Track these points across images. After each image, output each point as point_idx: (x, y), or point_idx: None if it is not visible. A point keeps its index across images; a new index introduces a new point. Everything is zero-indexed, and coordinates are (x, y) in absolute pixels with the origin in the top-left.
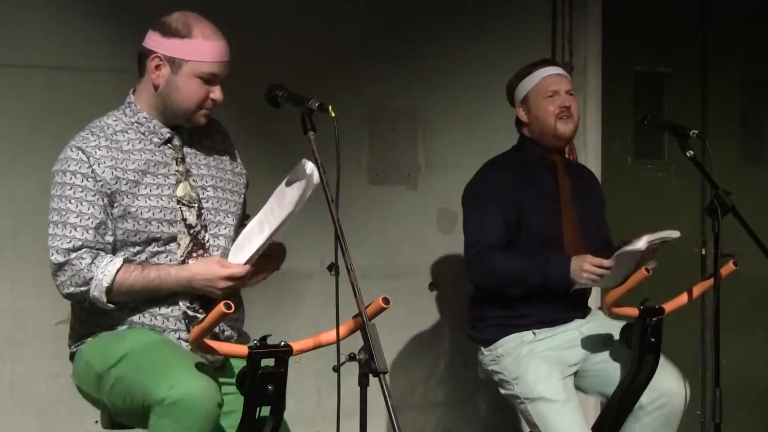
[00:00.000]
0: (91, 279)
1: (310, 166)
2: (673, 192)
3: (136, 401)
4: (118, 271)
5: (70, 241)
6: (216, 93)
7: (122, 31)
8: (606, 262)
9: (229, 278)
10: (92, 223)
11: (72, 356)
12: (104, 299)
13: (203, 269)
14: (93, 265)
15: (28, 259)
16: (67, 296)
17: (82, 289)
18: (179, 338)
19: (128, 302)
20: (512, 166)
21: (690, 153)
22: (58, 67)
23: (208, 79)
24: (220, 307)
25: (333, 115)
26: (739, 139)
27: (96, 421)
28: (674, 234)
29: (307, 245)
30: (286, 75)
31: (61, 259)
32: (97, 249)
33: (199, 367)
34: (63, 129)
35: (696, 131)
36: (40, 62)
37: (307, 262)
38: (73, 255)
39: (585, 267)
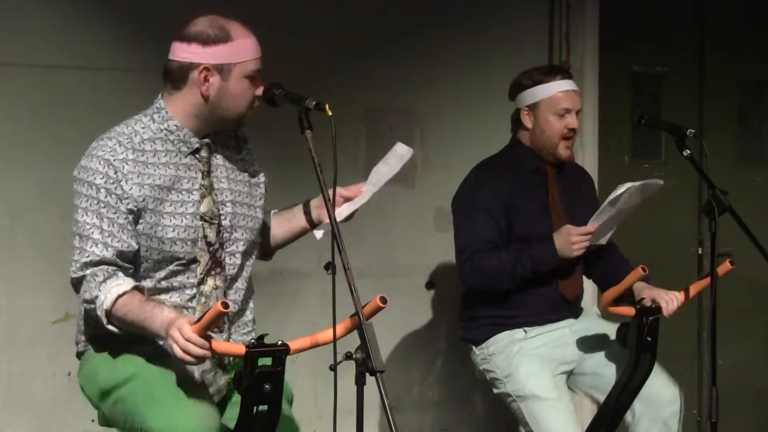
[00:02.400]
0: (96, 298)
1: (404, 148)
2: (670, 191)
3: (136, 426)
4: (120, 296)
5: (89, 256)
6: (260, 90)
7: (121, 29)
8: (590, 228)
9: (185, 336)
10: (112, 240)
11: (78, 354)
12: (104, 321)
13: (179, 316)
14: (103, 284)
15: (25, 258)
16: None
17: (91, 306)
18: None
19: (124, 330)
20: (504, 170)
21: (687, 152)
22: (56, 66)
23: (254, 77)
24: (218, 306)
25: (330, 114)
26: (736, 138)
27: (93, 420)
28: (656, 181)
29: (304, 244)
30: (283, 74)
31: (78, 274)
32: (115, 266)
33: (202, 398)
34: (60, 128)
35: (693, 131)
36: (37, 61)
37: (304, 262)
38: (88, 271)
39: (574, 240)
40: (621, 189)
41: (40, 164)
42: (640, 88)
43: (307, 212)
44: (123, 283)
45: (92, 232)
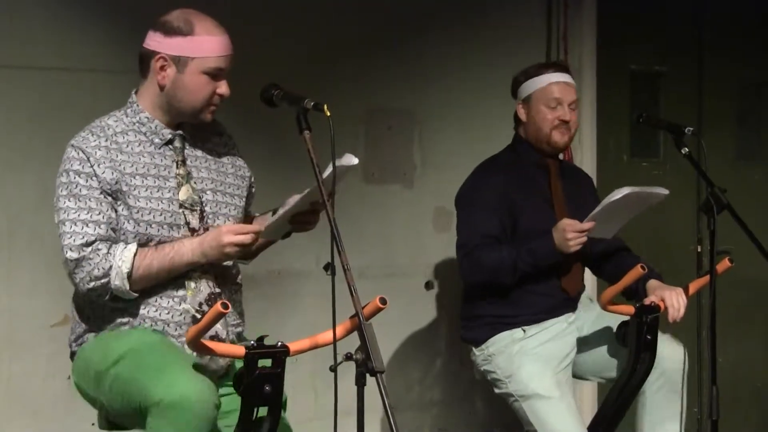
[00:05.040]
0: (110, 268)
1: (353, 159)
2: (669, 190)
3: (134, 401)
4: (135, 255)
5: (83, 237)
6: (222, 88)
7: (119, 31)
8: (585, 226)
9: (235, 233)
10: (103, 218)
11: (72, 355)
12: (127, 286)
13: (211, 231)
14: (109, 254)
15: (24, 260)
16: (89, 292)
17: (103, 281)
18: (181, 335)
19: (149, 287)
20: (506, 168)
21: (685, 151)
22: (55, 68)
23: (214, 74)
24: (217, 307)
25: (328, 114)
26: (735, 137)
27: (93, 423)
28: (661, 191)
29: (303, 245)
30: (282, 74)
31: (75, 255)
32: (109, 242)
33: (198, 368)
34: (59, 129)
35: (691, 129)
36: (36, 63)
37: (303, 262)
38: (88, 249)
39: (569, 236)
40: (618, 195)
41: (38, 166)
42: (639, 87)
43: None
44: (128, 246)
45: (79, 215)
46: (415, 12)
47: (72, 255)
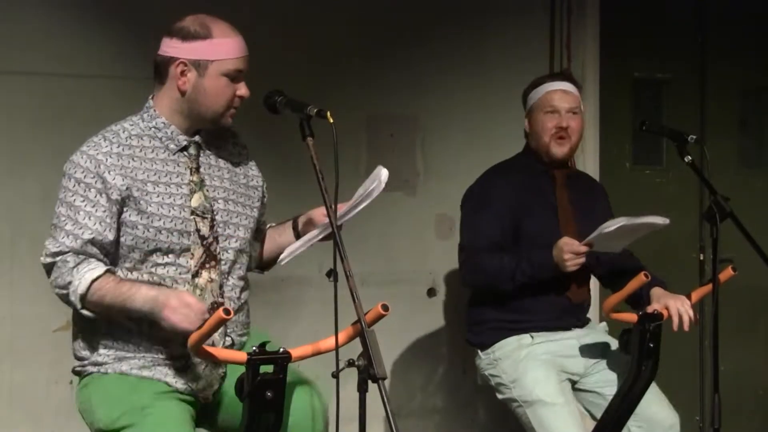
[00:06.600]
0: (69, 284)
1: (384, 172)
2: (672, 198)
3: None
4: (95, 280)
5: (58, 246)
6: (242, 89)
7: (120, 37)
8: (582, 248)
9: (187, 305)
10: (83, 233)
11: (76, 372)
12: (79, 306)
13: (170, 291)
14: (75, 269)
15: (26, 266)
16: (57, 296)
17: (63, 292)
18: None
19: (102, 313)
20: (515, 173)
21: (688, 159)
22: (56, 74)
23: (234, 76)
24: (219, 313)
25: (331, 121)
26: (738, 144)
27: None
28: (660, 221)
29: (306, 252)
30: (285, 81)
31: (48, 260)
32: (84, 255)
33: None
34: (61, 136)
35: (694, 137)
36: (38, 69)
37: (306, 269)
38: (58, 258)
39: (566, 257)
40: (613, 226)
41: (40, 173)
42: (641, 95)
43: (294, 227)
44: (96, 267)
45: (66, 224)
46: (418, 20)
47: (44, 260)
